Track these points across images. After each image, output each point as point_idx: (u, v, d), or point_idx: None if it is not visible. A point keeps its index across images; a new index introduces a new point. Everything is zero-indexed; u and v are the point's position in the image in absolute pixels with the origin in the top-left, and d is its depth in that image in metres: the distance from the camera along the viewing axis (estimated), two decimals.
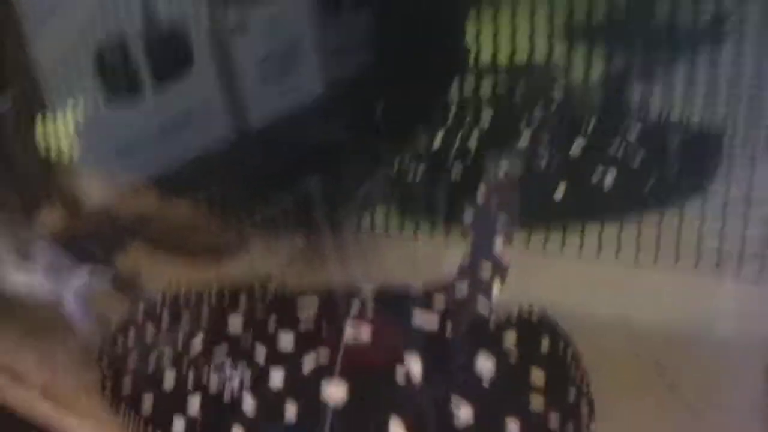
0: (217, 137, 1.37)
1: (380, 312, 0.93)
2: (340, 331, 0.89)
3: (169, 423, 0.85)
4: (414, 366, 0.85)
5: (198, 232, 1.16)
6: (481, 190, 1.09)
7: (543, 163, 1.31)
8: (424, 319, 0.92)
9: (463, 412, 0.82)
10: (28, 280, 1.00)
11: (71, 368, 1.00)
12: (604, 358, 0.94)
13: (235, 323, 0.96)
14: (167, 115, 1.31)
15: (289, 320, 0.93)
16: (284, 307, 0.98)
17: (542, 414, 0.84)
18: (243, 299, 1.03)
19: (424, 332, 0.91)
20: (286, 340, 0.90)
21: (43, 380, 1.00)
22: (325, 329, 0.91)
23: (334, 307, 0.96)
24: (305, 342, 0.89)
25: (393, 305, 0.96)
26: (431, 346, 0.89)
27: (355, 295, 0.97)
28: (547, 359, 0.91)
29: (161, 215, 1.14)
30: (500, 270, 1.02)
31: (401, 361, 0.85)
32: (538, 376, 0.89)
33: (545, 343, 0.93)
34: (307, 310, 0.96)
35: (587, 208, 1.25)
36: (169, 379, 0.91)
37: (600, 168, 1.28)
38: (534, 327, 0.96)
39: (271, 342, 0.90)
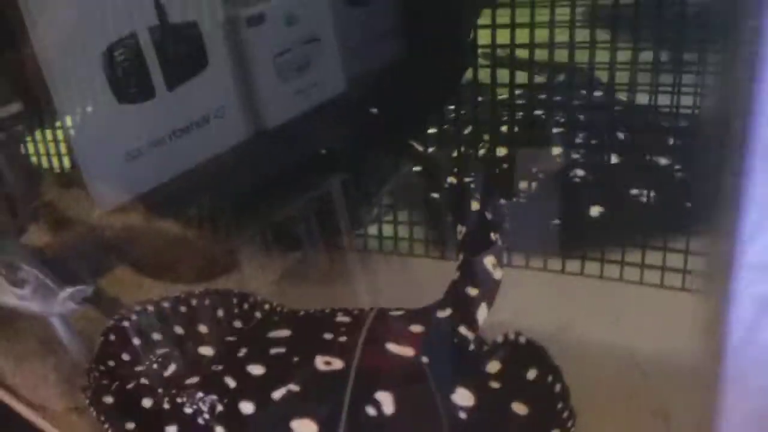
0: (227, 142, 1.32)
1: (354, 342, 0.89)
2: (312, 363, 0.86)
3: None
4: (385, 403, 0.81)
5: (187, 251, 1.14)
6: (473, 203, 1.03)
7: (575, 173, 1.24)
8: (400, 350, 0.88)
9: None
10: (17, 302, 1.01)
11: (65, 388, 1.00)
12: (599, 388, 0.89)
13: (207, 351, 0.94)
14: (177, 119, 1.27)
15: (260, 351, 0.91)
16: (257, 336, 0.95)
17: None
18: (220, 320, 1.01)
19: (398, 364, 0.87)
20: (257, 371, 0.87)
21: (40, 399, 1.00)
22: (296, 361, 0.87)
23: (307, 337, 0.93)
24: (276, 374, 0.86)
25: (369, 333, 0.92)
26: (405, 380, 0.85)
27: (330, 322, 0.94)
28: (533, 392, 0.85)
29: (149, 233, 1.12)
30: (489, 290, 0.96)
31: (373, 396, 0.81)
32: (520, 410, 0.84)
33: (531, 375, 0.87)
34: (280, 340, 0.93)
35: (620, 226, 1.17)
36: (147, 402, 0.90)
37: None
38: (521, 356, 0.89)
39: (241, 373, 0.87)
